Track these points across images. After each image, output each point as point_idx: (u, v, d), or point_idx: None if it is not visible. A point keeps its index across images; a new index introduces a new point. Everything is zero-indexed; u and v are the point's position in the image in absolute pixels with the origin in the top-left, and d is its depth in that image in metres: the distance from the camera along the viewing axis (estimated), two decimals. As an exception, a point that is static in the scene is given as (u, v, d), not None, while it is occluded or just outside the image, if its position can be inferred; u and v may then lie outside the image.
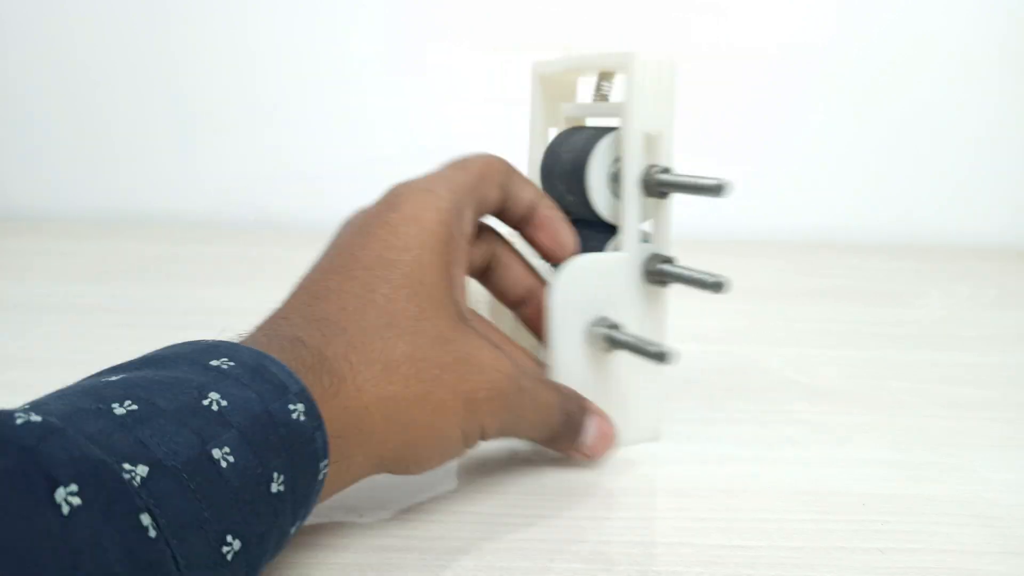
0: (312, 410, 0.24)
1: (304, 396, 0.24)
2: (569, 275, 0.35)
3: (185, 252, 0.85)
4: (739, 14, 0.94)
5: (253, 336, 0.28)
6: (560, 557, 0.29)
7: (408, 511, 0.32)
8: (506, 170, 0.35)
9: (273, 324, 0.28)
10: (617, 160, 0.36)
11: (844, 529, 0.32)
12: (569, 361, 0.36)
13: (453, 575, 0.28)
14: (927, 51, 0.95)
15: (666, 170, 0.35)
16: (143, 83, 1.00)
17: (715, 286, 0.33)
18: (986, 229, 0.99)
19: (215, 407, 0.21)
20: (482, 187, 0.33)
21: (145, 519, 0.18)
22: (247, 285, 0.70)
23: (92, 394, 0.20)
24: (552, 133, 0.40)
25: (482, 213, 0.34)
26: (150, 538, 0.17)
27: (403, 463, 0.28)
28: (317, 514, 0.32)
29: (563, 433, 0.34)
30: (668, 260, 0.36)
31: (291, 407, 0.23)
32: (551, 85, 0.40)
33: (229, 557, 0.20)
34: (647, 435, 0.39)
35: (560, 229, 0.36)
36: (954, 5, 0.93)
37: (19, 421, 0.17)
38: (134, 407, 0.20)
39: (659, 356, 0.34)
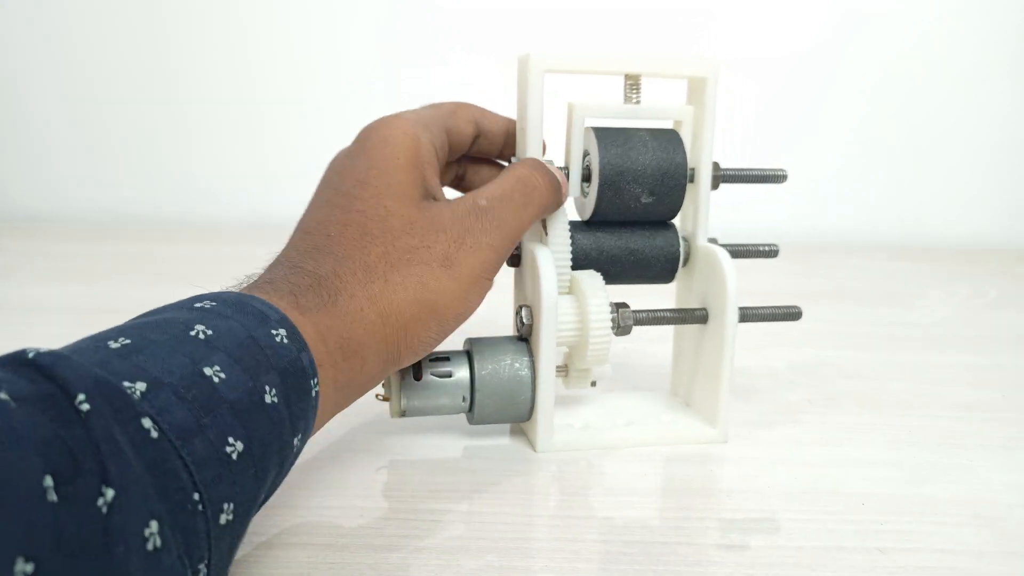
0: (295, 335, 0.26)
1: (285, 323, 0.26)
2: (732, 266, 0.38)
3: (185, 252, 0.85)
4: (742, 21, 0.94)
5: (261, 275, 0.31)
6: (560, 556, 0.29)
7: (408, 511, 0.32)
8: (477, 109, 0.38)
9: (275, 263, 0.32)
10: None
11: (844, 529, 0.32)
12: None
13: (453, 575, 0.28)
14: (930, 56, 0.95)
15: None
16: (143, 85, 1.00)
17: (770, 252, 0.41)
18: (987, 230, 0.99)
19: (202, 336, 0.23)
20: (452, 119, 0.37)
21: (147, 423, 0.19)
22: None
23: (90, 339, 0.23)
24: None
25: (454, 139, 0.37)
26: (153, 439, 0.19)
27: (412, 345, 0.31)
28: (320, 506, 0.32)
29: (545, 196, 0.36)
30: (715, 240, 0.40)
31: (273, 332, 0.25)
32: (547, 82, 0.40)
33: (234, 457, 0.22)
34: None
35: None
36: (957, 10, 0.93)
37: (31, 354, 0.19)
38: (128, 341, 0.22)
39: (796, 315, 0.40)
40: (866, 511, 0.33)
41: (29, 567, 0.15)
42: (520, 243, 0.38)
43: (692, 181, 0.40)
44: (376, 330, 0.30)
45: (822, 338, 0.58)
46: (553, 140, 0.40)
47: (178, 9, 0.97)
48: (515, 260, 0.39)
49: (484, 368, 0.37)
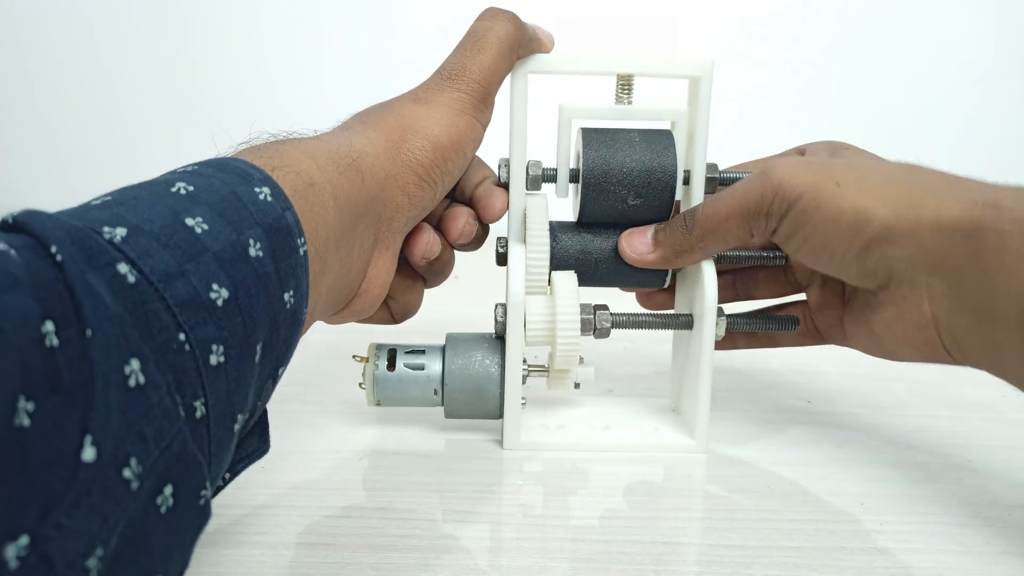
0: (279, 193, 0.26)
1: (269, 182, 0.26)
2: (712, 274, 0.37)
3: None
4: (734, 11, 0.94)
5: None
6: (559, 556, 0.29)
7: (408, 511, 0.33)
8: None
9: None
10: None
11: (844, 529, 0.32)
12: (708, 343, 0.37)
13: (453, 575, 0.28)
14: (931, 52, 0.95)
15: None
16: (154, 87, 1.00)
17: (778, 259, 0.39)
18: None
19: (183, 191, 0.23)
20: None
21: (122, 267, 0.20)
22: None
23: (78, 206, 0.23)
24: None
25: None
26: (130, 283, 0.20)
27: (410, 152, 0.33)
28: (317, 506, 0.32)
29: (502, 34, 0.37)
30: None
31: (256, 190, 0.25)
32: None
33: (219, 303, 0.22)
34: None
35: None
36: (959, 9, 0.93)
37: (9, 219, 0.20)
38: (108, 198, 0.22)
39: (794, 323, 0.39)
40: (866, 511, 0.33)
41: (30, 405, 0.15)
42: (507, 242, 0.38)
43: (687, 183, 0.38)
44: (369, 142, 0.32)
45: (822, 338, 0.57)
46: (552, 141, 0.40)
47: (193, 13, 0.97)
48: (502, 259, 0.38)
49: (454, 363, 0.37)
